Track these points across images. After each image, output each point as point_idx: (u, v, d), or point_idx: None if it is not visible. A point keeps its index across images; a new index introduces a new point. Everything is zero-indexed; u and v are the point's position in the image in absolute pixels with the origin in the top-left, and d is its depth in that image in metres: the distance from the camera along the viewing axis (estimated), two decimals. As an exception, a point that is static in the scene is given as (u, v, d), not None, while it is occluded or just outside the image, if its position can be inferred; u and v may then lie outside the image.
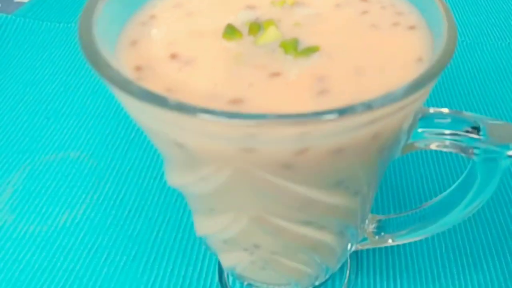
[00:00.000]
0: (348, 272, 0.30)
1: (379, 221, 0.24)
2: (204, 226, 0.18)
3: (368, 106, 0.11)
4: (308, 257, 0.19)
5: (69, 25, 0.58)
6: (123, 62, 0.14)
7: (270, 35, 0.15)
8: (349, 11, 0.17)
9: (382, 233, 0.24)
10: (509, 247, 0.32)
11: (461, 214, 0.20)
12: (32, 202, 0.38)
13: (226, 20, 0.17)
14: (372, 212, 0.24)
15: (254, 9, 0.17)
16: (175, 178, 0.16)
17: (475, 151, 0.17)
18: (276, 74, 0.14)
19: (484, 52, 0.51)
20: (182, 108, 0.11)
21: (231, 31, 0.16)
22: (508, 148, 0.16)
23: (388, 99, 0.11)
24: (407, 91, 0.12)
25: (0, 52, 0.55)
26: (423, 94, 0.13)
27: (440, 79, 0.47)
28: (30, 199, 0.38)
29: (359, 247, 0.25)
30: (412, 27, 0.16)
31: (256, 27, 0.16)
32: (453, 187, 0.20)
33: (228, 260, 0.21)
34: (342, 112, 0.11)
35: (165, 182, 0.39)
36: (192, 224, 0.35)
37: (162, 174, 0.39)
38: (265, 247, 0.18)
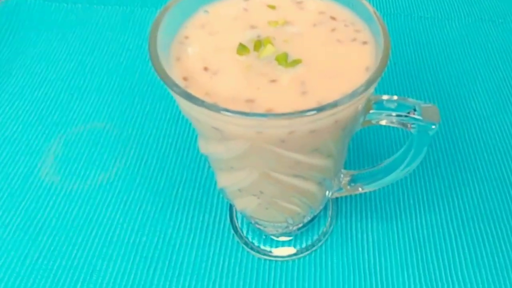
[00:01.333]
0: (330, 213, 0.39)
1: (352, 175, 0.33)
2: (224, 179, 0.27)
3: (333, 105, 0.19)
4: (298, 200, 0.28)
5: (82, 5, 0.62)
6: (175, 74, 0.22)
7: (268, 50, 0.23)
8: (322, 29, 0.25)
9: (353, 184, 0.32)
10: (456, 194, 0.41)
11: (405, 170, 0.29)
12: (72, 166, 0.45)
13: (237, 37, 0.24)
14: (346, 168, 0.33)
15: (256, 29, 0.25)
16: (209, 147, 0.24)
17: (413, 125, 0.25)
18: (274, 80, 0.22)
19: (453, 28, 0.58)
20: (215, 108, 0.19)
21: (242, 48, 0.23)
22: (433, 124, 0.24)
23: (343, 100, 0.19)
24: (353, 95, 0.19)
25: (17, 34, 0.60)
26: (367, 94, 0.21)
27: (411, 52, 0.54)
28: (70, 163, 0.45)
29: (337, 194, 0.34)
30: (365, 43, 0.24)
31: (258, 44, 0.23)
32: (400, 151, 0.29)
33: (241, 204, 0.29)
34: (318, 109, 0.19)
35: (180, 146, 0.47)
36: (205, 179, 0.43)
37: (178, 139, 0.47)
38: (268, 193, 0.26)
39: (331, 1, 0.26)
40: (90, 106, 0.51)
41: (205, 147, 0.24)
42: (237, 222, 0.39)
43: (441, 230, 0.39)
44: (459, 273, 0.37)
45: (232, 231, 0.39)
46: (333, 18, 0.25)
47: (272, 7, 0.26)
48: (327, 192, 0.30)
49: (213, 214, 0.41)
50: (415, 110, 0.25)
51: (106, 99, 0.52)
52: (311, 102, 0.21)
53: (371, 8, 0.24)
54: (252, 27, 0.25)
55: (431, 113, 0.25)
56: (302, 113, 0.19)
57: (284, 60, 0.23)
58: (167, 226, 0.40)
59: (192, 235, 0.40)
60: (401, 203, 0.41)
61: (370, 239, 0.39)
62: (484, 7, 0.60)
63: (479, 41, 0.55)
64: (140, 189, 0.43)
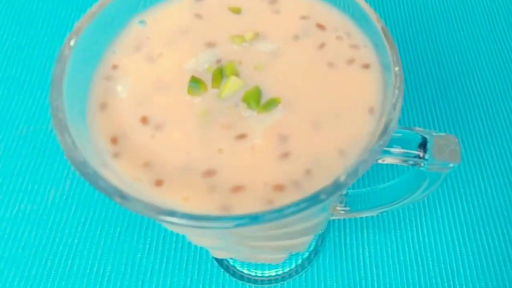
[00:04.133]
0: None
1: (346, 196, 0.27)
2: (195, 241, 0.21)
3: (330, 192, 0.13)
4: (283, 251, 0.22)
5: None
6: (98, 133, 0.15)
7: (232, 85, 0.16)
8: (307, 44, 0.18)
9: (348, 208, 0.27)
10: (460, 194, 0.36)
11: (413, 201, 0.23)
12: (16, 181, 0.38)
13: (188, 64, 0.17)
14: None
15: (214, 47, 0.18)
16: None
17: (423, 165, 0.19)
18: (242, 136, 0.15)
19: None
20: (154, 212, 0.13)
21: (195, 85, 0.16)
22: (447, 164, 0.18)
23: (345, 181, 0.13)
24: (355, 172, 0.13)
25: None
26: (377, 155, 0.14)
27: (406, 21, 0.47)
28: (13, 178, 0.38)
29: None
30: (366, 66, 0.17)
31: (219, 76, 0.16)
32: (405, 179, 0.23)
33: (218, 255, 0.24)
34: (310, 201, 0.12)
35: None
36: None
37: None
38: (247, 251, 0.21)
39: (316, -2, 0.18)
40: (32, 104, 0.44)
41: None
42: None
43: (443, 238, 0.35)
44: (464, 287, 0.33)
45: (211, 255, 0.34)
46: (320, 27, 0.18)
47: (236, 10, 0.19)
48: (320, 231, 0.24)
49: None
50: (425, 145, 0.19)
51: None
52: (296, 170, 0.14)
53: (372, 13, 0.16)
54: (209, 45, 0.18)
55: (447, 148, 0.19)
56: (285, 211, 0.12)
57: (255, 100, 0.16)
58: (135, 251, 0.35)
59: (165, 260, 0.35)
60: (400, 210, 0.36)
61: (367, 253, 0.35)
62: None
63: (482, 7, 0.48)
64: (101, 206, 0.38)
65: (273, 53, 0.17)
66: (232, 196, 0.14)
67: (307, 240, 0.22)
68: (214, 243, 0.19)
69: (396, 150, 0.19)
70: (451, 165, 0.19)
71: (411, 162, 0.19)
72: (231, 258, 0.32)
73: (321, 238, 0.33)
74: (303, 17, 0.18)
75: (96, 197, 0.38)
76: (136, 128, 0.16)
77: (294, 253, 0.29)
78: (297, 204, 0.12)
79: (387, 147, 0.19)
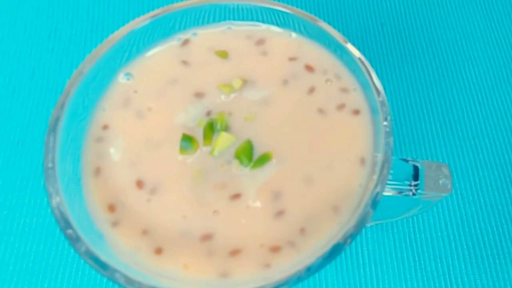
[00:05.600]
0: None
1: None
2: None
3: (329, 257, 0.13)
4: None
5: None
6: (94, 202, 0.15)
7: (224, 141, 0.16)
8: (296, 90, 0.17)
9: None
10: (454, 188, 0.37)
11: (407, 217, 0.24)
12: (19, 195, 0.38)
13: (178, 117, 0.17)
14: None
15: (203, 98, 0.17)
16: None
17: (416, 195, 0.20)
18: (236, 196, 0.16)
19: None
20: None
21: (187, 144, 0.16)
22: (439, 195, 0.19)
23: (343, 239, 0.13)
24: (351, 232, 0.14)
25: None
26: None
27: (400, 11, 0.46)
28: (15, 193, 0.38)
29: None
30: (356, 112, 0.17)
31: (209, 131, 0.16)
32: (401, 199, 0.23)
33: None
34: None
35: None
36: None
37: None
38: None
39: (302, 36, 0.18)
40: (30, 116, 0.43)
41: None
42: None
43: (439, 233, 0.36)
44: (459, 280, 0.34)
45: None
46: (309, 68, 0.18)
47: (223, 55, 0.18)
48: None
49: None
50: (417, 177, 0.19)
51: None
52: (291, 229, 0.15)
53: (354, 51, 0.16)
54: (198, 95, 0.18)
55: (438, 180, 0.19)
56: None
57: (247, 157, 0.16)
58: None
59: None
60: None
61: (366, 251, 0.36)
62: None
63: None
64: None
65: (262, 101, 0.17)
66: (230, 260, 0.14)
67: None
68: None
69: (390, 186, 0.19)
70: (443, 194, 0.19)
71: (404, 194, 0.19)
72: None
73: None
74: (291, 59, 0.18)
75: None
76: (132, 193, 0.16)
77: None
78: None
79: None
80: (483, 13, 0.46)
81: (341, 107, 0.17)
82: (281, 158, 0.16)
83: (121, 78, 0.18)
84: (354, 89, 0.17)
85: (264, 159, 0.16)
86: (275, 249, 0.15)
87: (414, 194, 0.20)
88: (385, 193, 0.20)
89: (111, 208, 0.16)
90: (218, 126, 0.17)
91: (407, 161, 0.20)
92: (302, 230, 0.15)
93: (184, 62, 0.18)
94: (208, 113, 0.17)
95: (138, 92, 0.18)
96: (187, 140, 0.16)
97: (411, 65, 0.43)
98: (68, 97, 0.15)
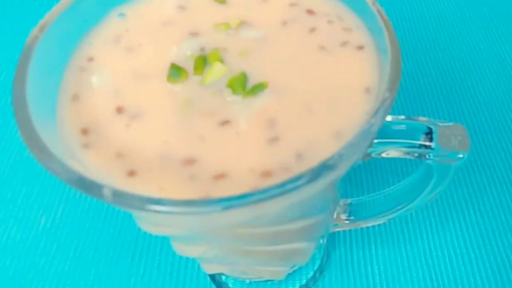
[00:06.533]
0: (325, 242, 0.32)
1: (350, 205, 0.26)
2: (181, 250, 0.19)
3: (330, 166, 0.11)
4: (282, 262, 0.20)
5: None
6: (67, 124, 0.14)
7: (217, 71, 0.15)
8: (296, 29, 0.16)
9: (352, 218, 0.25)
10: (472, 204, 0.34)
11: (422, 203, 0.21)
12: (7, 208, 0.37)
13: (169, 53, 0.16)
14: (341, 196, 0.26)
15: (198, 36, 0.16)
16: (147, 227, 0.16)
17: (429, 156, 0.18)
18: (225, 122, 0.14)
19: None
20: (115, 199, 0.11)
21: (175, 72, 0.15)
22: (456, 155, 0.17)
23: (343, 155, 0.11)
24: (356, 145, 0.12)
25: None
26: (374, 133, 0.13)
27: (404, 28, 0.46)
28: (2, 206, 0.37)
29: (333, 230, 0.26)
30: (360, 47, 0.16)
31: (201, 63, 0.15)
32: (412, 178, 0.21)
33: (209, 270, 0.22)
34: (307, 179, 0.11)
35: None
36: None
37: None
38: (241, 262, 0.19)
39: (305, -16, 0.17)
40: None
41: (142, 225, 0.17)
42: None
43: (458, 250, 0.32)
44: (484, 303, 0.30)
45: (209, 279, 0.32)
46: (310, 12, 0.17)
47: (221, 1, 0.18)
48: (320, 241, 0.22)
49: (184, 258, 0.34)
50: (431, 133, 0.17)
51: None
52: (286, 154, 0.13)
53: None
54: (192, 34, 0.17)
55: (453, 138, 0.17)
56: (274, 191, 0.11)
57: (241, 85, 0.15)
58: (128, 276, 0.33)
59: (160, 285, 0.32)
60: (409, 221, 0.34)
61: (376, 270, 0.32)
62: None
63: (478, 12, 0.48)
64: (93, 232, 0.36)
65: (260, 39, 0.16)
66: (215, 184, 0.12)
67: (307, 248, 0.20)
68: (205, 249, 0.17)
69: (399, 141, 0.18)
70: (460, 155, 0.17)
71: (416, 154, 0.17)
72: (231, 280, 0.30)
73: (326, 255, 0.30)
74: (292, 4, 0.17)
75: (88, 223, 0.36)
76: (110, 118, 0.14)
77: (296, 268, 0.27)
78: (281, 185, 0.10)
79: (391, 138, 0.18)
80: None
81: (344, 43, 0.16)
82: (278, 87, 0.15)
83: (113, 17, 0.17)
84: (357, 28, 0.16)
85: (258, 87, 0.15)
86: (267, 174, 0.13)
87: (426, 157, 0.18)
88: (394, 154, 0.18)
89: (84, 131, 0.14)
90: (211, 60, 0.15)
91: (418, 120, 0.18)
92: (299, 156, 0.13)
93: (181, 7, 0.18)
94: (202, 49, 0.16)
95: (130, 31, 0.17)
96: (176, 69, 0.15)
97: (416, 62, 0.43)
98: (51, 21, 0.15)
